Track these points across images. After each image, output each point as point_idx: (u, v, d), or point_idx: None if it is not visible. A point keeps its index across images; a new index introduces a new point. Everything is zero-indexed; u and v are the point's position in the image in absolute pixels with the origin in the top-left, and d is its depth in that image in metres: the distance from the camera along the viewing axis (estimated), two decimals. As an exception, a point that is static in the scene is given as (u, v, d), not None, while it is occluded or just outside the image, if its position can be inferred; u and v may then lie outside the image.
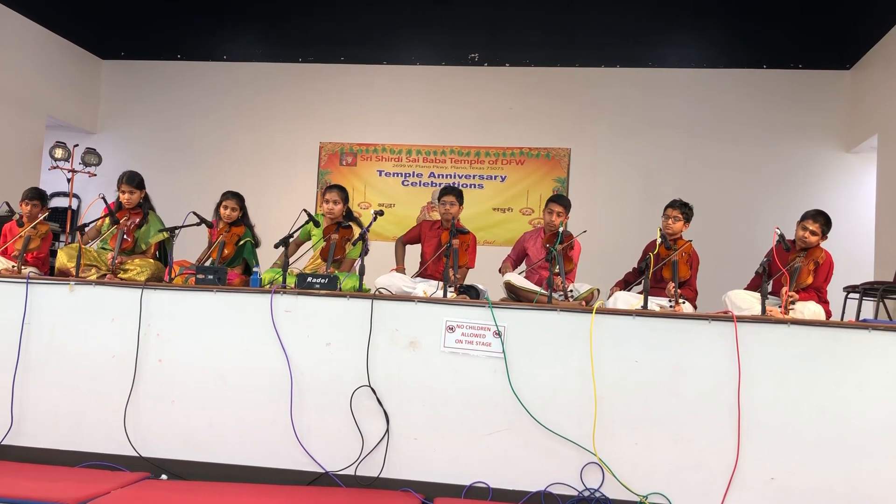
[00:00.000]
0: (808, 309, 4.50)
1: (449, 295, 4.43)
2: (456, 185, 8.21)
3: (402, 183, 8.92)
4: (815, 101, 8.34)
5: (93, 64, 9.31)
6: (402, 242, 5.74)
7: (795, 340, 3.93)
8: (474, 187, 8.69)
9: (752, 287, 4.92)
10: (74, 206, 8.88)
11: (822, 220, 4.77)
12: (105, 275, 4.85)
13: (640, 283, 4.63)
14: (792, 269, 4.59)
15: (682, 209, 5.12)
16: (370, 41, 8.53)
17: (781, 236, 4.58)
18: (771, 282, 4.57)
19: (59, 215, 8.49)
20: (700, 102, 8.53)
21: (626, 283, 5.26)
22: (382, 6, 7.72)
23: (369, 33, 8.35)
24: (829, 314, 4.66)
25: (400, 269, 5.46)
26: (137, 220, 5.18)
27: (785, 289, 4.49)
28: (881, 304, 5.75)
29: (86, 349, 4.37)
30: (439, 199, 5.47)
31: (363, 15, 7.92)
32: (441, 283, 4.66)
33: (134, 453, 4.24)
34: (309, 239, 5.48)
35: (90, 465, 4.23)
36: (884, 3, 6.98)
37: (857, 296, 5.86)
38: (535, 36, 8.21)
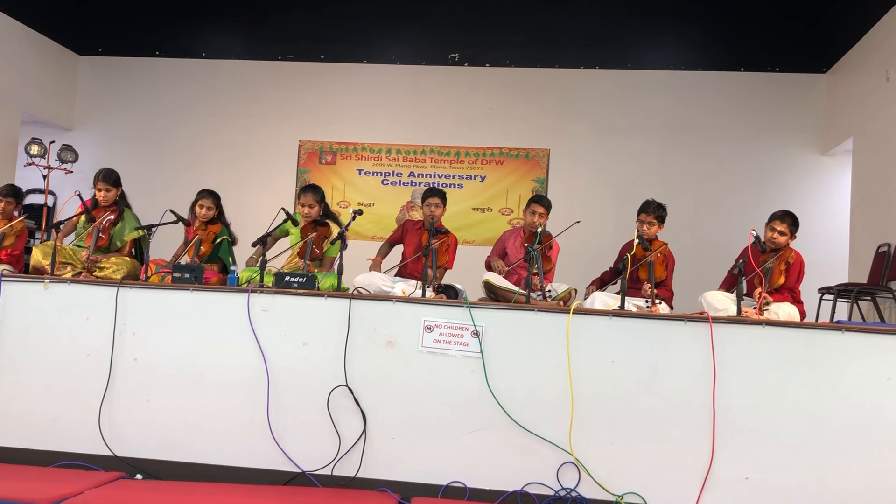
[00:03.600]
0: (783, 310, 4.54)
1: (427, 294, 4.43)
2: (437, 186, 8.23)
3: (382, 182, 8.90)
4: (791, 103, 8.41)
5: (70, 60, 9.20)
6: (389, 244, 5.74)
7: (770, 341, 3.97)
8: (454, 187, 8.69)
9: (724, 286, 4.96)
10: (50, 204, 8.77)
11: (789, 221, 4.79)
12: (80, 273, 4.81)
13: (616, 283, 4.65)
14: (764, 270, 4.63)
15: (656, 213, 5.12)
16: (350, 39, 8.51)
17: (757, 238, 4.62)
18: (745, 282, 4.60)
19: (34, 212, 8.38)
20: (678, 104, 8.57)
21: (602, 283, 5.28)
22: (363, 4, 7.73)
23: (349, 32, 8.33)
24: (803, 315, 4.70)
25: (376, 259, 5.44)
26: (113, 217, 5.13)
27: (759, 290, 4.54)
28: (855, 305, 5.83)
29: (60, 348, 4.32)
30: (423, 200, 5.48)
31: (343, 13, 7.91)
32: (419, 283, 4.65)
33: (109, 453, 4.20)
34: (286, 235, 5.45)
35: (64, 464, 4.19)
36: (860, 8, 7.07)
37: (831, 297, 5.93)
38: (516, 36, 8.23)
